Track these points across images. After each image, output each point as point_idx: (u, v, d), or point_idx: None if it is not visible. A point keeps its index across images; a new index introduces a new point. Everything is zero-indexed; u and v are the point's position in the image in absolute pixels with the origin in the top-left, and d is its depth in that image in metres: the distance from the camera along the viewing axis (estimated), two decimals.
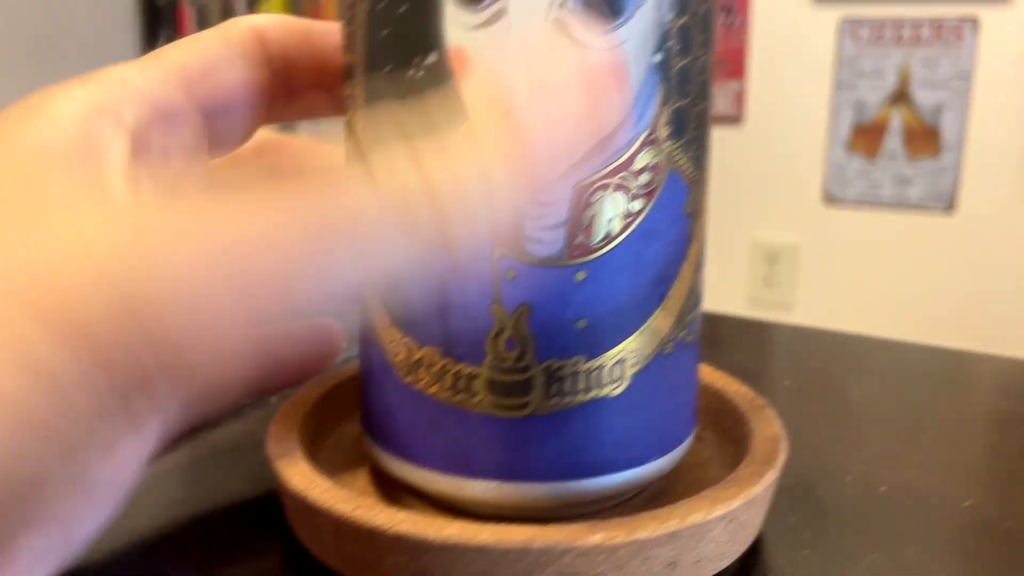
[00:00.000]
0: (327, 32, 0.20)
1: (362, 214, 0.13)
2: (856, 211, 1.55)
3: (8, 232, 0.12)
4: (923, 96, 1.47)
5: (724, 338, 0.33)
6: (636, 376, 0.18)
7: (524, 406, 0.17)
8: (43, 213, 0.13)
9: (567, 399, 0.17)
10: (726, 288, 1.67)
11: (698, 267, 0.19)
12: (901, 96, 1.49)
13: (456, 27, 0.16)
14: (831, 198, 1.56)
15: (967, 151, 1.45)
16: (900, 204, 1.51)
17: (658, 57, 0.16)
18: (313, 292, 0.13)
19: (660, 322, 0.18)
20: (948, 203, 1.48)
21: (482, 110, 0.15)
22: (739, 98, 1.60)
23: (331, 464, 0.21)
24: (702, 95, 0.17)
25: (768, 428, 0.21)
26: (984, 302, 1.48)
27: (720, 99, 1.62)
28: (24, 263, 0.11)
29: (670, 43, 0.16)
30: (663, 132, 0.17)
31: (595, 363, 0.17)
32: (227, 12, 1.94)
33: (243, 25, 0.19)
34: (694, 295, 0.19)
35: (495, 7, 0.15)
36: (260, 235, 0.12)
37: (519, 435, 0.17)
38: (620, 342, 0.17)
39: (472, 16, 0.16)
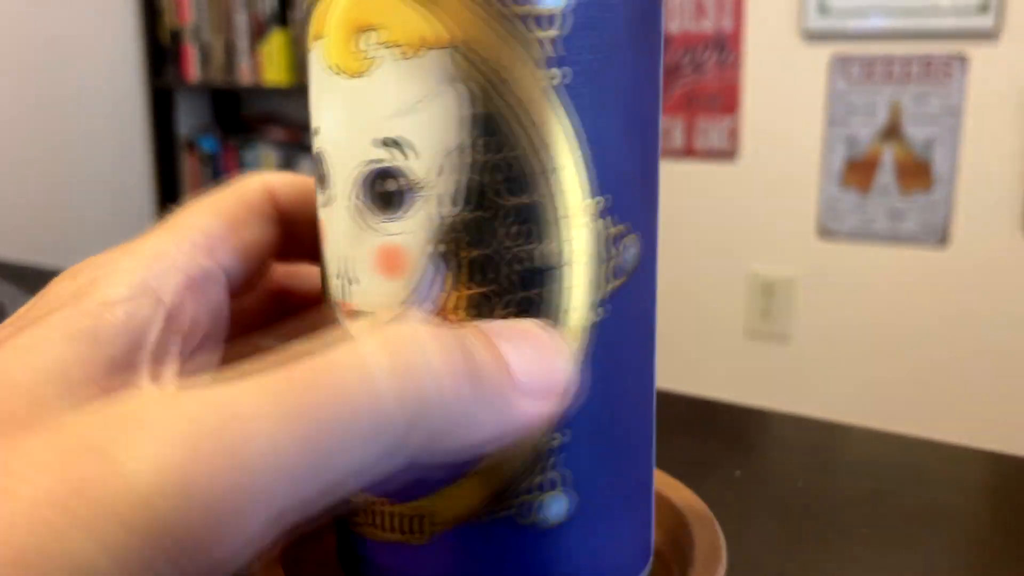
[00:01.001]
0: None
1: (363, 398, 0.14)
2: (851, 244, 1.56)
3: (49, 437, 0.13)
4: (914, 131, 1.49)
5: (688, 422, 0.34)
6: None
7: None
8: (84, 419, 0.14)
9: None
10: (723, 320, 1.68)
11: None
12: (892, 131, 1.51)
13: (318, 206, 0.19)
14: (826, 231, 1.58)
15: (959, 185, 1.47)
16: (894, 237, 1.53)
17: (441, 247, 0.17)
18: (328, 489, 0.14)
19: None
20: (941, 236, 1.49)
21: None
22: (733, 134, 1.62)
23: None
24: (522, 283, 0.17)
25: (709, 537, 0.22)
26: (978, 334, 1.49)
27: (714, 135, 1.64)
28: (67, 473, 0.13)
29: (457, 235, 0.17)
30: (455, 316, 0.17)
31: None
32: (229, 51, 1.97)
33: (256, 184, 0.20)
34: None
35: (328, 192, 0.18)
36: (271, 440, 0.13)
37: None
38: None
39: (319, 196, 0.19)
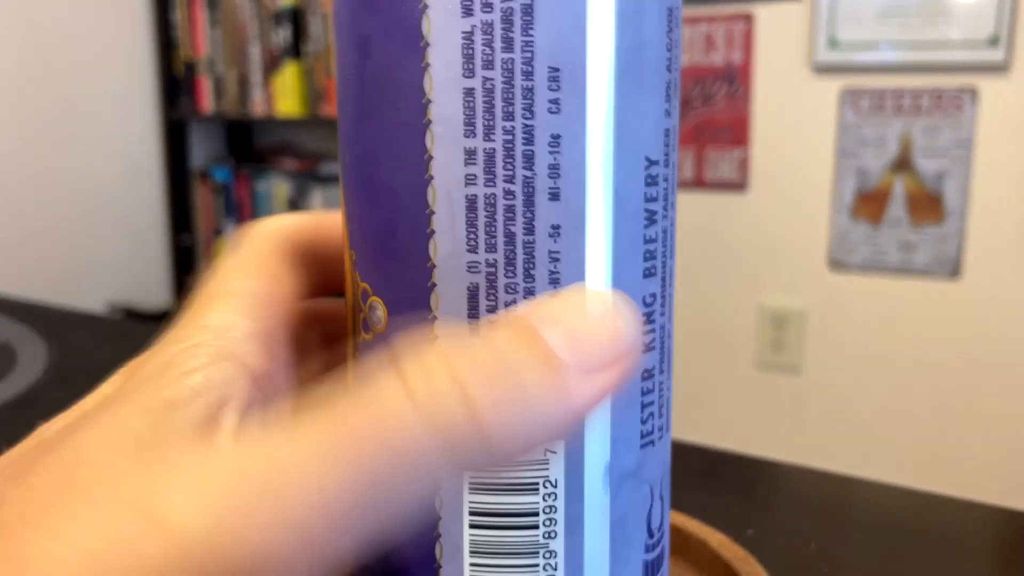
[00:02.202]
0: (336, 223, 0.21)
1: (406, 437, 0.14)
2: (862, 276, 1.55)
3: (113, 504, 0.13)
4: (925, 164, 1.49)
5: (700, 474, 0.34)
6: None
7: None
8: (157, 482, 0.14)
9: None
10: (734, 352, 1.68)
11: None
12: (903, 164, 1.51)
13: None
14: (837, 263, 1.57)
15: (970, 217, 1.46)
16: (905, 270, 1.52)
17: None
18: (378, 529, 0.14)
19: None
20: (953, 269, 1.49)
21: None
22: (743, 165, 1.62)
23: None
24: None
25: None
26: (991, 366, 1.47)
27: (725, 166, 1.64)
28: (119, 537, 0.13)
29: None
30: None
31: None
32: (243, 84, 1.99)
33: (275, 232, 0.20)
34: None
35: None
36: (320, 489, 0.13)
37: None
38: None
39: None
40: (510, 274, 0.17)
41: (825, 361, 1.61)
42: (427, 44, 0.17)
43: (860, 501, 0.34)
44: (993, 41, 1.41)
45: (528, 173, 0.17)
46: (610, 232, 0.17)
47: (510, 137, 0.17)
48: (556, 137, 0.17)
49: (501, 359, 0.14)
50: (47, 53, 1.84)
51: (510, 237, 0.17)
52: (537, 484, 0.17)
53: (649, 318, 0.18)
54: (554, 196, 0.17)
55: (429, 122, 0.17)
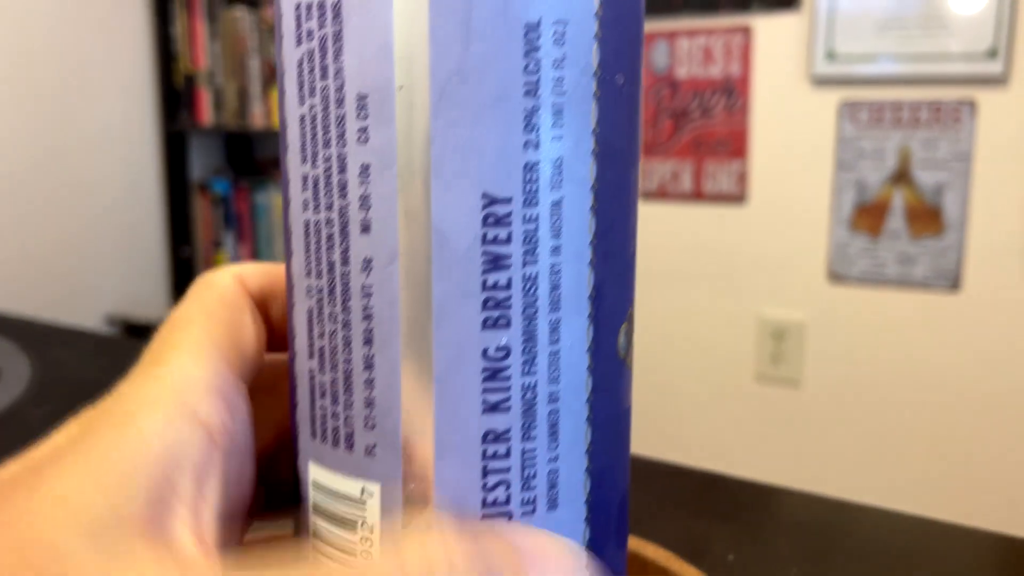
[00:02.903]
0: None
1: None
2: (861, 289, 1.55)
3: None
4: (924, 176, 1.49)
5: (685, 496, 0.34)
6: None
7: None
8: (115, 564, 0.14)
9: None
10: (733, 365, 1.67)
11: None
12: (902, 176, 1.50)
13: None
14: (836, 276, 1.57)
15: (970, 230, 1.46)
16: (905, 282, 1.52)
17: None
18: None
19: None
20: (953, 281, 1.48)
21: None
22: (742, 178, 1.62)
23: None
24: None
25: None
26: (991, 379, 1.47)
27: (723, 178, 1.64)
28: None
29: None
30: None
31: None
32: (243, 95, 2.00)
33: (230, 281, 0.20)
34: None
35: None
36: None
37: None
38: None
39: None
40: (332, 303, 0.17)
41: (824, 374, 1.60)
42: (281, 72, 0.17)
43: (847, 525, 0.34)
44: (992, 53, 1.41)
45: (343, 203, 0.16)
46: (428, 272, 0.16)
47: (328, 165, 0.16)
48: (366, 167, 0.16)
49: (491, 567, 0.15)
50: (47, 65, 1.84)
51: (331, 266, 0.17)
52: (355, 524, 0.17)
53: (497, 374, 0.16)
54: (365, 228, 0.16)
55: (285, 147, 0.18)
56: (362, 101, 0.16)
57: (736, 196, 1.63)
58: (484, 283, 0.16)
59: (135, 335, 1.97)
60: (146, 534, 0.14)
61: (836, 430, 1.60)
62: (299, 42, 0.17)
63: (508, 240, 0.16)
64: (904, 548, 0.32)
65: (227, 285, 0.20)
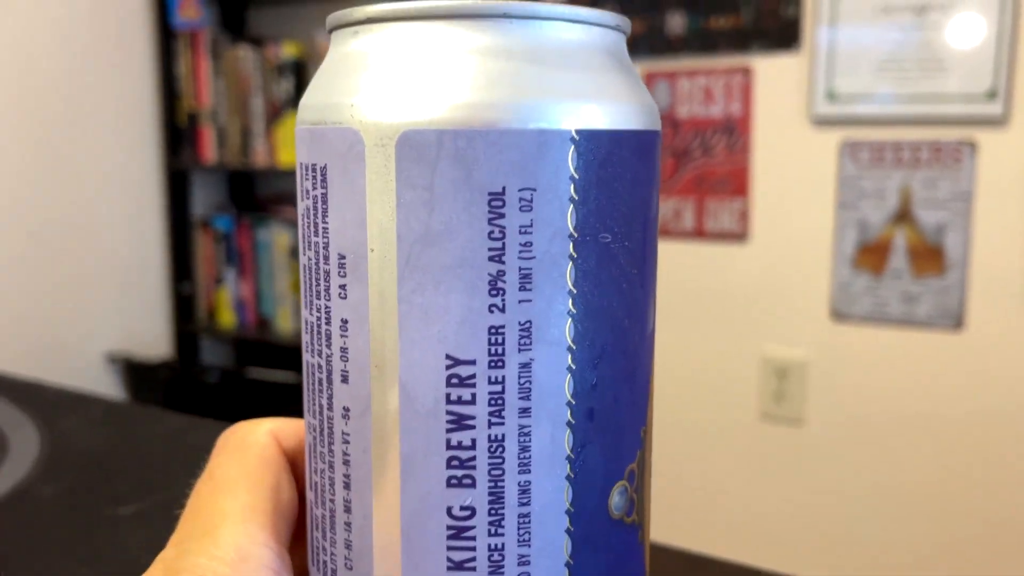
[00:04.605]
0: None
1: None
2: (864, 328, 1.55)
3: None
4: (925, 216, 1.49)
5: None
6: None
7: None
8: None
9: None
10: (736, 403, 1.67)
11: None
12: (904, 216, 1.51)
13: None
14: (839, 314, 1.57)
15: (972, 269, 1.46)
16: (908, 321, 1.52)
17: None
18: None
19: None
20: (956, 321, 1.48)
21: None
22: (744, 216, 1.63)
23: None
24: None
25: None
26: (995, 419, 1.46)
27: (725, 217, 1.64)
28: None
29: None
30: None
31: None
32: (246, 133, 2.01)
33: (266, 439, 0.20)
34: None
35: None
36: None
37: None
38: None
39: None
40: (321, 443, 0.17)
41: (827, 412, 1.59)
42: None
43: None
44: (991, 95, 1.42)
45: (328, 351, 0.17)
46: (395, 427, 0.16)
47: (319, 314, 0.17)
48: (345, 322, 0.16)
49: None
50: (51, 102, 1.85)
51: (320, 408, 0.17)
52: None
53: (462, 533, 0.16)
54: (344, 379, 0.17)
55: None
56: (342, 260, 0.16)
57: (738, 234, 1.64)
58: (448, 442, 0.16)
59: (136, 374, 1.97)
60: None
61: (839, 469, 1.59)
62: (302, 198, 0.18)
63: (472, 401, 0.16)
64: None
65: (265, 444, 0.20)
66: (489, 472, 0.16)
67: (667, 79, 1.67)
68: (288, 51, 1.95)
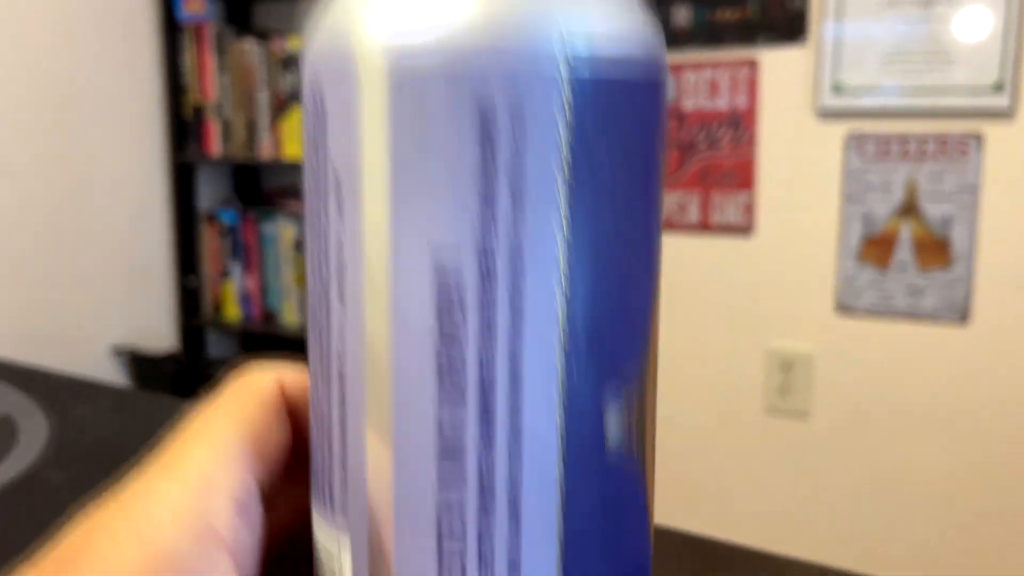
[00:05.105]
0: None
1: None
2: (869, 321, 1.55)
3: None
4: (931, 209, 1.49)
5: (698, 566, 0.33)
6: None
7: None
8: None
9: None
10: (741, 396, 1.67)
11: None
12: (909, 209, 1.50)
13: None
14: (844, 308, 1.57)
15: (978, 262, 1.46)
16: (913, 314, 1.51)
17: None
18: None
19: None
20: (962, 314, 1.48)
21: None
22: (749, 209, 1.62)
23: None
24: None
25: None
26: (1000, 411, 1.46)
27: (730, 210, 1.64)
28: None
29: None
30: None
31: None
32: (251, 127, 2.01)
33: (270, 383, 0.20)
34: None
35: None
36: None
37: None
38: None
39: None
40: (320, 364, 0.18)
41: (833, 406, 1.59)
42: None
43: None
44: (998, 87, 1.41)
45: (327, 272, 0.17)
46: (388, 345, 0.16)
47: (319, 235, 0.17)
48: (340, 240, 0.17)
49: None
50: (57, 97, 1.86)
51: (320, 330, 0.18)
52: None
53: (453, 449, 0.16)
54: (341, 298, 0.17)
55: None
56: (337, 178, 0.17)
57: (743, 227, 1.63)
58: (439, 359, 0.16)
59: (142, 367, 1.98)
60: None
61: (844, 462, 1.59)
62: (303, 122, 0.18)
63: (463, 319, 0.16)
64: None
65: (265, 386, 0.20)
66: (480, 389, 0.16)
67: (673, 72, 1.66)
68: (293, 44, 1.95)
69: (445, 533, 0.16)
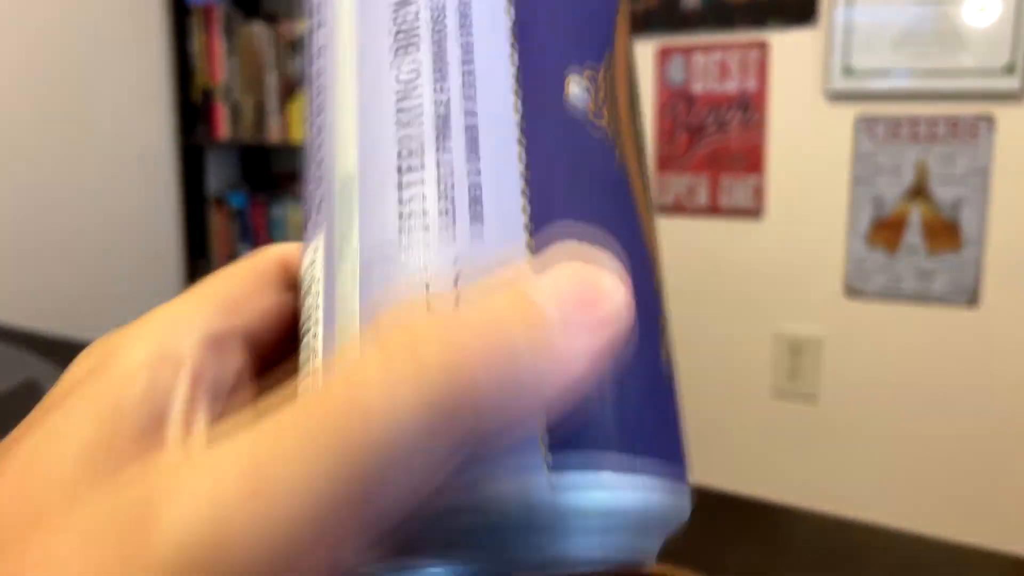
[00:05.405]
0: None
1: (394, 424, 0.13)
2: (878, 304, 1.55)
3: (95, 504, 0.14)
4: (941, 192, 1.49)
5: (732, 527, 0.33)
6: None
7: None
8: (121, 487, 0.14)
9: None
10: (750, 380, 1.67)
11: None
12: (919, 192, 1.50)
13: None
14: (853, 291, 1.57)
15: (988, 245, 1.46)
16: (922, 297, 1.51)
17: None
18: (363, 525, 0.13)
19: None
20: (971, 297, 1.48)
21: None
22: (758, 192, 1.62)
23: None
24: None
25: None
26: (1009, 395, 1.46)
27: (740, 193, 1.64)
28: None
29: None
30: None
31: None
32: (259, 110, 2.01)
33: (273, 254, 0.20)
34: None
35: None
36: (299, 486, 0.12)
37: None
38: None
39: None
40: (306, 56, 0.19)
41: (842, 389, 1.60)
42: None
43: (889, 550, 0.34)
44: (1009, 69, 1.41)
45: None
46: (352, 22, 0.18)
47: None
48: None
49: (493, 324, 0.13)
50: (66, 81, 1.86)
51: (309, 30, 0.19)
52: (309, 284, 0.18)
53: (409, 92, 0.17)
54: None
55: None
56: None
57: (752, 210, 1.63)
58: (395, 19, 0.17)
59: None
60: (135, 455, 0.15)
61: (853, 445, 1.59)
62: None
63: None
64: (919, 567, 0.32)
65: (267, 257, 0.20)
66: (432, 36, 0.17)
67: (682, 54, 1.66)
68: (302, 27, 1.95)
69: (406, 170, 0.16)
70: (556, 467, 0.14)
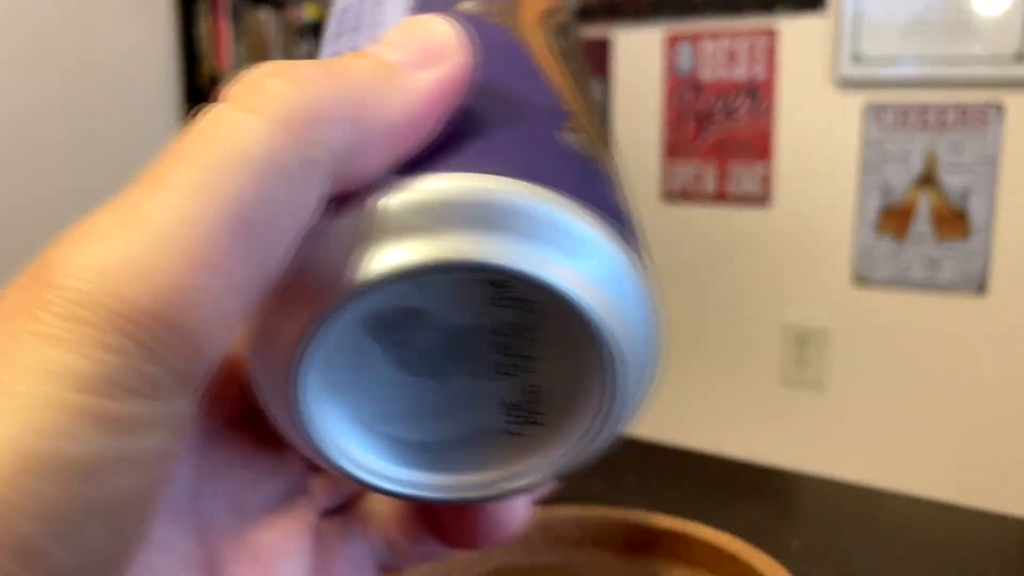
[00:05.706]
0: None
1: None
2: (886, 292, 1.54)
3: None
4: (950, 180, 1.48)
5: (741, 489, 0.34)
6: None
7: None
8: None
9: None
10: (758, 368, 1.67)
11: None
12: (928, 179, 1.50)
13: None
14: (861, 279, 1.56)
15: (996, 234, 1.45)
16: (930, 286, 1.51)
17: None
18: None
19: None
20: (979, 285, 1.47)
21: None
22: (766, 180, 1.62)
23: None
24: None
25: None
26: (1017, 384, 1.46)
27: (747, 180, 1.63)
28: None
29: None
30: None
31: None
32: None
33: None
34: None
35: None
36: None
37: None
38: None
39: None
40: None
41: (849, 378, 1.59)
42: None
43: (898, 515, 0.34)
44: (1019, 57, 1.40)
45: None
46: None
47: None
48: None
49: (337, 66, 0.15)
50: (71, 66, 1.86)
51: None
52: None
53: None
54: None
55: None
56: None
57: (760, 198, 1.63)
58: None
59: None
60: None
61: (860, 434, 1.59)
62: None
63: None
64: (963, 538, 0.32)
65: None
66: None
67: (690, 41, 1.65)
68: (309, 13, 1.95)
69: None
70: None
